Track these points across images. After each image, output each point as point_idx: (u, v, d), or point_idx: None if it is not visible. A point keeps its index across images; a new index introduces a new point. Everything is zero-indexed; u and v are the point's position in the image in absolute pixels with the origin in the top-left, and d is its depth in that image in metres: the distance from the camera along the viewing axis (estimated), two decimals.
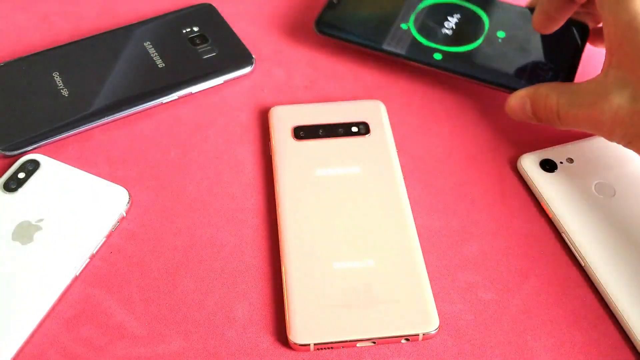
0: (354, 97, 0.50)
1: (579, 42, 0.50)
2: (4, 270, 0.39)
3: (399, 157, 0.46)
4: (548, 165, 0.45)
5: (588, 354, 0.38)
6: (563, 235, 0.42)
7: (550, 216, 0.44)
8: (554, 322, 0.39)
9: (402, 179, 0.44)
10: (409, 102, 0.51)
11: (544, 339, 0.39)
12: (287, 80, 0.52)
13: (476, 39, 0.51)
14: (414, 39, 0.51)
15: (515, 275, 0.41)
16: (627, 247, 0.41)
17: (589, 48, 0.51)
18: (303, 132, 0.46)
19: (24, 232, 0.41)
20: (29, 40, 0.53)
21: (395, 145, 0.47)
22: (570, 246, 0.42)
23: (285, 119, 0.47)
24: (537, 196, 0.45)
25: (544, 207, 0.44)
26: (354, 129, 0.46)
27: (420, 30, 0.51)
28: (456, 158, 0.47)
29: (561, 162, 0.46)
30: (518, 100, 0.45)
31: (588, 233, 0.42)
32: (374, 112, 0.48)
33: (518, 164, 0.46)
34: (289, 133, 0.46)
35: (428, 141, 0.48)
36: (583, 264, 0.41)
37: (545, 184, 0.44)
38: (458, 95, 0.51)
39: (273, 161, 0.45)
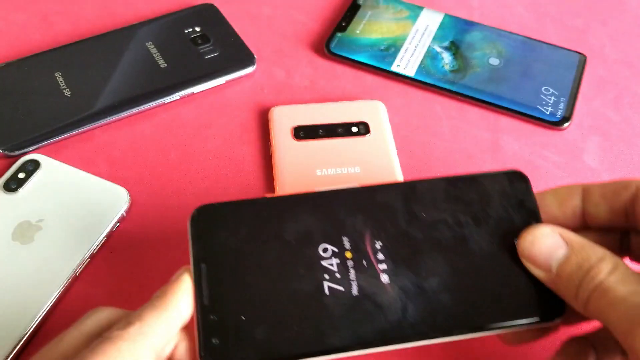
0: (354, 97, 0.50)
1: (579, 69, 0.52)
2: (4, 270, 0.39)
3: (399, 157, 0.46)
4: None
5: None
6: None
7: None
8: None
9: (402, 179, 0.44)
10: (409, 102, 0.51)
11: (545, 339, 0.38)
12: (287, 80, 0.52)
13: (478, 65, 0.52)
14: (421, 62, 0.52)
15: None
16: None
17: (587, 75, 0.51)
18: (303, 132, 0.46)
19: (24, 232, 0.41)
20: (29, 40, 0.53)
21: (395, 145, 0.47)
22: None
23: (285, 119, 0.47)
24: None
25: None
26: (354, 129, 0.46)
27: (426, 55, 0.52)
28: (456, 158, 0.47)
29: None
30: (551, 239, 0.31)
31: None
32: (374, 112, 0.48)
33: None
34: (289, 133, 0.46)
35: (428, 141, 0.48)
36: None
37: None
38: None
39: (273, 161, 0.45)
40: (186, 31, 0.53)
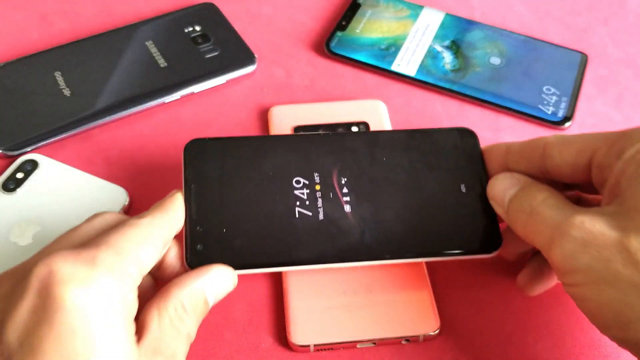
0: (354, 97, 0.50)
1: (580, 68, 0.52)
2: (2, 271, 0.39)
3: None
4: None
5: (591, 355, 0.38)
6: None
7: None
8: (556, 322, 0.39)
9: None
10: (410, 102, 0.50)
11: (545, 340, 0.38)
12: (287, 79, 0.52)
13: (479, 65, 0.51)
14: (422, 61, 0.51)
15: (516, 275, 0.41)
16: None
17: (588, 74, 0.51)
18: (303, 132, 0.46)
19: (23, 232, 0.40)
20: (28, 39, 0.53)
21: None
22: None
23: (285, 118, 0.47)
24: None
25: None
26: (354, 129, 0.46)
27: (427, 54, 0.52)
28: None
29: None
30: (507, 180, 0.36)
31: None
32: (374, 112, 0.48)
33: None
34: (289, 133, 0.46)
35: None
36: None
37: None
38: None
39: None
40: (186, 30, 0.53)
